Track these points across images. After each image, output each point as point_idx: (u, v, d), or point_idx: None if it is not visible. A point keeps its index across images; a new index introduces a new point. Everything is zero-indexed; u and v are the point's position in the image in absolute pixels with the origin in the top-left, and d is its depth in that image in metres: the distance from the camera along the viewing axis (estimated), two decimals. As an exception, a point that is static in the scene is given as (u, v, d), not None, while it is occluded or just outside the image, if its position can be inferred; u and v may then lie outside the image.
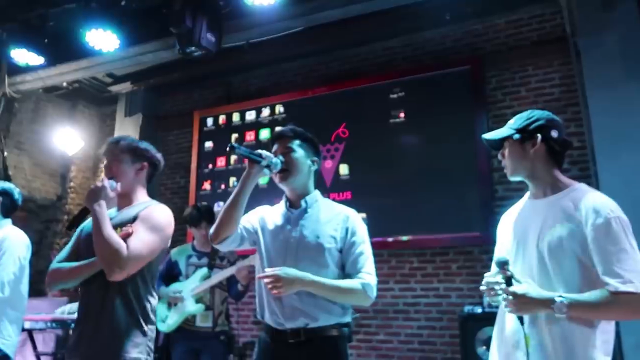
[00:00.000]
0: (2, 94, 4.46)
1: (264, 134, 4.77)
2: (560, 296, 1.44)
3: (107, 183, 1.90)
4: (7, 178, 5.00)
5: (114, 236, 1.79)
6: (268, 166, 1.87)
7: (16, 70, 4.39)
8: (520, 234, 1.64)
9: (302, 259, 1.87)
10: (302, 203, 1.98)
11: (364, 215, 4.03)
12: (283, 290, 1.78)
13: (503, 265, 1.54)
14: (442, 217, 3.83)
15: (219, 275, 3.32)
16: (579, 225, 1.49)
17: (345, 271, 1.92)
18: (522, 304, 1.47)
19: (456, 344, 3.53)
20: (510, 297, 1.48)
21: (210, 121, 5.10)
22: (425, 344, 3.86)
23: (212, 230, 1.91)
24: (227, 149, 1.81)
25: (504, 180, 3.81)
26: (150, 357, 1.86)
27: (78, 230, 2.01)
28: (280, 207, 2.04)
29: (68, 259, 1.93)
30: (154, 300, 1.93)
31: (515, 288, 1.48)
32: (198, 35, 3.16)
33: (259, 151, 1.86)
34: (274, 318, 1.88)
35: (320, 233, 1.92)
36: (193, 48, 3.22)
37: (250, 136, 4.85)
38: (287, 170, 1.93)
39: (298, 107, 4.64)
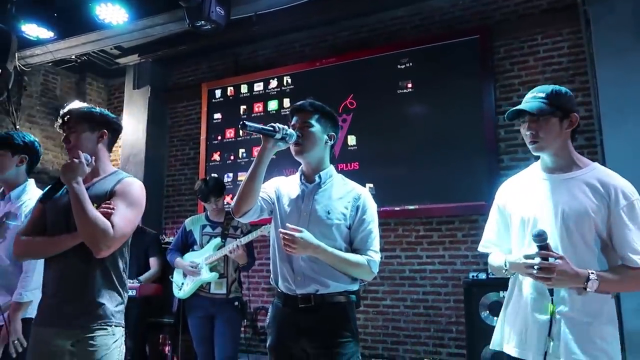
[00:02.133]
0: (12, 68, 4.49)
1: (272, 105, 4.81)
2: (593, 272, 1.54)
3: (84, 157, 1.84)
4: (21, 151, 5.09)
5: (99, 216, 1.78)
6: (283, 138, 1.91)
7: (26, 44, 4.41)
8: (540, 207, 1.68)
9: (313, 232, 1.94)
10: (317, 178, 2.05)
11: (371, 185, 4.14)
12: (295, 251, 1.87)
13: (542, 237, 1.56)
14: (448, 186, 3.90)
15: (232, 245, 3.44)
16: (604, 203, 1.59)
17: (353, 247, 2.01)
18: (558, 280, 1.53)
19: (460, 309, 3.65)
20: (547, 271, 1.52)
21: (218, 93, 5.13)
22: (431, 309, 3.99)
23: (233, 204, 1.97)
24: (239, 126, 1.85)
25: (509, 150, 3.87)
26: (122, 322, 1.92)
27: (37, 200, 1.99)
28: (295, 179, 2.12)
29: (34, 231, 1.90)
30: (126, 271, 1.97)
31: (555, 263, 1.53)
32: (207, 9, 3.17)
33: (272, 124, 1.90)
34: (286, 285, 1.98)
35: (331, 209, 1.99)
36: (203, 22, 3.23)
37: (258, 107, 4.88)
38: (302, 143, 1.99)
39: (306, 78, 4.65)
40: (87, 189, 1.88)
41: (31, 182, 2.51)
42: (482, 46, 3.91)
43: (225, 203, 4.85)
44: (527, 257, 1.58)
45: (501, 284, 3.22)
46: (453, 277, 3.91)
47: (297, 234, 1.86)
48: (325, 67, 4.55)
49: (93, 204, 1.83)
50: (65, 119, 1.96)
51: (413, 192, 4.04)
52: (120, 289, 1.92)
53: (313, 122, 2.02)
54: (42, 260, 2.09)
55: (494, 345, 1.79)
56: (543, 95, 1.68)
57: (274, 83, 4.82)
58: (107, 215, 1.79)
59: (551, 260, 1.53)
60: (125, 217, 1.83)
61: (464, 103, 3.91)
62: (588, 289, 1.53)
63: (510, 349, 1.69)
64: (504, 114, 3.86)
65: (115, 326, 1.86)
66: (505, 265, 1.70)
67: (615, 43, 3.24)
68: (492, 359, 3.20)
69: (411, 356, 3.97)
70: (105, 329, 1.83)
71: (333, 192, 2.05)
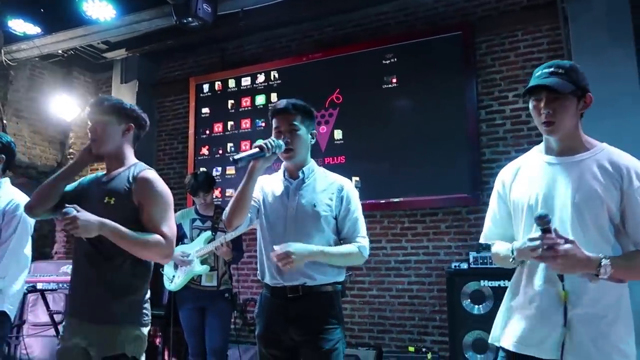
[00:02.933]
0: (-2, 63, 4.49)
1: (260, 100, 4.86)
2: (605, 257, 1.42)
3: (83, 215, 1.76)
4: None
5: (147, 237, 1.84)
6: (274, 153, 1.95)
7: (12, 38, 4.41)
8: (547, 193, 1.57)
9: (301, 226, 2.04)
10: (300, 174, 2.11)
11: (357, 178, 4.24)
12: (294, 265, 1.92)
13: (545, 219, 1.43)
14: (432, 179, 4.00)
15: (222, 238, 3.51)
16: (616, 185, 1.50)
17: (341, 236, 2.10)
18: (567, 264, 1.41)
19: (444, 298, 3.77)
20: (557, 255, 1.40)
21: (206, 87, 5.16)
22: (415, 298, 4.11)
23: (225, 218, 2.03)
24: (232, 161, 1.90)
25: (491, 143, 3.99)
26: (147, 319, 1.96)
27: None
28: (279, 176, 2.18)
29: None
30: (145, 266, 1.98)
31: (564, 247, 1.41)
32: (195, 6, 3.22)
33: (259, 143, 1.92)
34: (274, 281, 2.06)
35: (317, 202, 2.07)
36: (190, 19, 3.28)
37: (246, 102, 4.93)
38: (292, 149, 2.04)
39: (292, 73, 4.70)
40: (109, 180, 1.96)
41: (6, 180, 2.57)
42: (465, 42, 4.00)
43: (215, 197, 4.92)
44: (531, 239, 1.45)
45: (481, 273, 3.38)
46: (437, 268, 4.03)
47: (289, 249, 1.91)
48: (312, 62, 4.60)
49: (111, 198, 1.90)
50: (95, 108, 2.00)
51: (398, 185, 4.14)
52: (139, 285, 1.95)
53: (298, 124, 2.06)
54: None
55: (492, 339, 1.69)
56: (562, 70, 1.54)
57: (261, 78, 4.86)
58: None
59: (561, 244, 1.41)
60: (167, 221, 1.91)
61: (447, 98, 4.00)
62: (600, 276, 1.40)
63: (513, 345, 1.58)
64: (486, 108, 4.02)
65: (125, 325, 1.88)
66: (512, 253, 1.56)
67: (591, 40, 3.34)
68: (473, 345, 3.33)
69: (397, 344, 4.09)
70: (115, 328, 1.86)
71: (317, 185, 2.12)
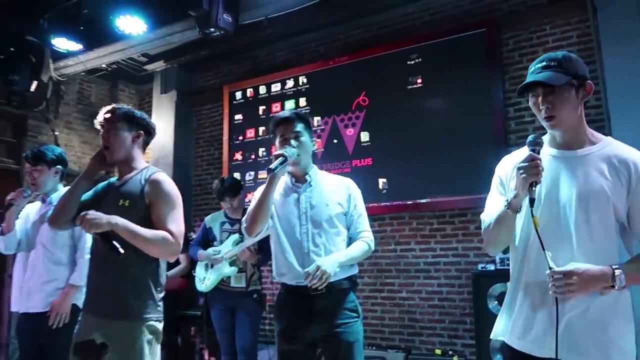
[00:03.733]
0: (49, 79, 4.83)
1: (289, 105, 4.95)
2: (616, 267, 1.39)
3: (93, 212, 1.89)
4: (60, 155, 5.45)
5: (155, 233, 1.93)
6: (292, 161, 2.12)
7: (59, 55, 4.74)
8: (550, 188, 1.53)
9: (317, 224, 2.18)
10: (307, 177, 2.25)
11: (384, 180, 4.24)
12: (328, 277, 2.04)
13: (535, 143, 1.44)
14: (460, 180, 3.93)
15: (250, 241, 3.61)
16: (623, 180, 1.47)
17: (350, 231, 2.24)
18: (584, 285, 1.37)
19: (473, 300, 3.69)
20: (567, 279, 1.36)
21: (239, 94, 5.32)
22: (445, 301, 4.05)
23: (245, 225, 2.19)
24: (267, 171, 2.08)
25: (520, 141, 3.87)
26: (161, 316, 2.04)
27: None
28: (282, 183, 2.27)
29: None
30: (164, 264, 2.09)
31: (572, 267, 1.38)
32: (215, 16, 3.35)
33: (280, 152, 2.10)
34: (296, 281, 2.15)
35: (328, 201, 2.22)
36: (212, 29, 3.42)
37: (276, 107, 5.04)
38: (299, 155, 2.16)
39: (320, 78, 4.77)
40: (122, 184, 2.07)
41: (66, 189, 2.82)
42: (489, 39, 3.92)
43: (248, 201, 5.06)
44: (519, 166, 1.44)
45: (508, 275, 3.26)
46: (466, 269, 3.95)
47: (321, 268, 2.03)
48: (338, 65, 4.65)
49: (125, 201, 2.00)
50: (108, 116, 2.10)
51: (425, 186, 4.10)
52: (152, 284, 2.02)
53: (302, 130, 2.19)
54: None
55: (494, 334, 1.65)
56: (555, 63, 1.51)
57: (290, 83, 4.96)
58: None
59: (569, 266, 1.39)
60: (176, 219, 2.00)
61: (473, 96, 3.93)
62: (617, 287, 1.37)
63: (512, 341, 1.55)
64: (513, 106, 3.93)
65: (143, 322, 1.95)
66: (507, 202, 1.50)
67: (620, 31, 3.20)
68: (501, 349, 3.24)
69: (427, 347, 4.04)
70: (131, 323, 1.94)
71: (324, 186, 2.26)
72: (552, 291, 1.41)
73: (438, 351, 3.72)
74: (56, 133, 5.51)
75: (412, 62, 4.25)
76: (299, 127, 2.19)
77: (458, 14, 4.25)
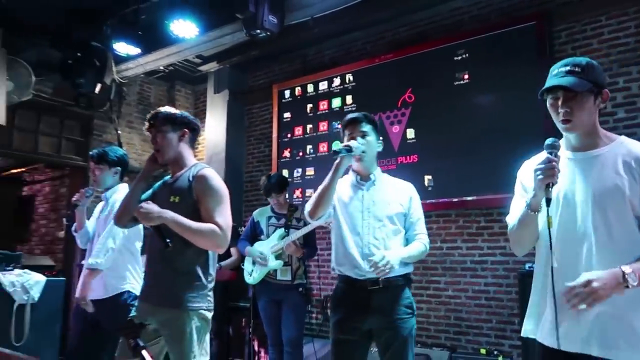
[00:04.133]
0: (111, 81, 5.16)
1: (336, 102, 5.02)
2: (624, 266, 1.41)
3: (146, 205, 2.06)
4: (122, 153, 5.81)
5: (203, 226, 2.05)
6: (354, 153, 2.28)
7: (121, 59, 5.06)
8: (567, 188, 1.57)
9: (378, 220, 2.34)
10: (372, 177, 2.43)
11: (429, 177, 4.21)
12: (388, 273, 2.20)
13: (553, 146, 1.49)
14: (508, 177, 3.77)
15: (295, 235, 3.73)
16: (637, 176, 1.50)
17: (407, 233, 2.40)
18: (602, 293, 1.39)
19: (520, 300, 3.61)
20: (588, 289, 1.38)
21: (287, 93, 5.44)
22: (492, 300, 3.97)
23: (308, 208, 2.35)
24: (332, 153, 2.27)
25: (572, 137, 3.72)
26: (211, 305, 2.17)
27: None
28: (348, 180, 2.45)
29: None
30: (210, 257, 2.19)
31: (585, 277, 1.40)
32: (261, 18, 3.47)
33: (348, 144, 2.28)
34: (356, 271, 2.29)
35: (390, 200, 2.39)
36: (258, 31, 3.54)
37: (323, 105, 5.12)
38: (365, 151, 2.33)
39: (366, 75, 4.79)
40: (174, 182, 2.22)
41: (124, 185, 3.05)
42: (539, 32, 3.79)
43: (296, 197, 5.18)
44: (536, 168, 1.50)
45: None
46: (514, 269, 3.85)
47: (386, 260, 2.17)
48: (385, 62, 4.66)
49: (175, 197, 2.14)
50: (152, 121, 2.25)
51: (472, 183, 4.04)
52: (202, 274, 2.13)
53: (368, 130, 2.37)
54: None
55: (524, 332, 1.69)
56: (579, 69, 1.55)
57: (337, 81, 5.02)
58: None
59: (581, 278, 1.41)
60: (222, 213, 2.11)
61: (522, 92, 3.82)
62: (631, 285, 1.40)
63: (543, 338, 1.59)
64: (565, 100, 3.76)
65: (192, 310, 2.07)
66: (528, 203, 1.56)
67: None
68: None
69: (473, 347, 3.99)
70: (182, 310, 2.06)
71: (388, 187, 2.44)
72: (573, 306, 1.43)
73: (483, 350, 3.67)
74: (119, 132, 5.87)
75: (459, 57, 4.19)
76: (366, 127, 2.37)
77: (507, 7, 4.14)
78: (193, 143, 2.33)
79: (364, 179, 2.43)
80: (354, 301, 2.29)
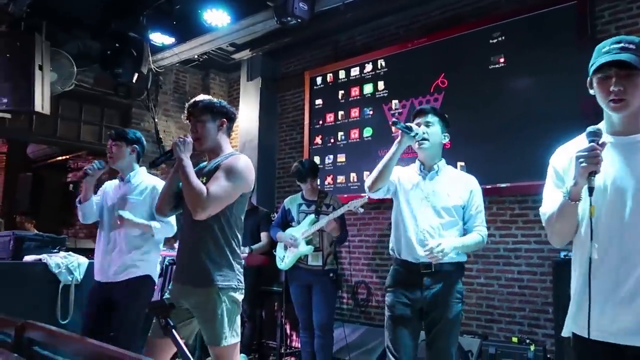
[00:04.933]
0: (148, 70, 5.29)
1: (368, 89, 4.99)
2: None
3: (190, 139, 2.19)
4: (159, 141, 5.99)
5: (197, 182, 2.10)
6: (415, 136, 2.43)
7: (156, 49, 5.18)
8: (613, 175, 1.51)
9: (437, 210, 2.45)
10: (435, 167, 2.55)
11: (462, 163, 4.15)
12: (441, 259, 2.33)
13: (595, 134, 1.44)
14: (544, 164, 3.69)
15: (325, 220, 3.76)
16: None
17: (466, 224, 2.50)
18: None
19: (555, 289, 3.53)
20: None
21: (319, 80, 5.45)
22: (526, 288, 3.91)
23: (368, 182, 2.49)
24: (391, 124, 2.34)
25: (612, 122, 3.58)
26: (241, 286, 2.21)
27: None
28: (413, 169, 2.60)
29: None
30: (239, 240, 2.25)
31: None
32: (292, 5, 3.48)
33: (409, 125, 2.45)
34: (411, 255, 2.45)
35: (450, 192, 2.49)
36: (289, 18, 3.55)
37: (355, 92, 5.10)
38: (427, 139, 2.48)
39: (398, 61, 4.74)
40: (206, 166, 2.28)
41: (143, 169, 3.10)
42: (580, 12, 3.64)
43: (328, 184, 5.21)
44: (579, 155, 1.44)
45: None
46: (549, 257, 3.77)
47: (441, 247, 2.30)
48: (417, 47, 4.59)
49: (203, 177, 2.18)
50: (191, 110, 2.27)
51: (506, 170, 3.96)
52: (231, 257, 2.18)
53: (434, 122, 2.52)
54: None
55: (566, 331, 1.62)
56: (633, 46, 1.47)
57: (369, 67, 4.98)
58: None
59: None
60: (220, 185, 2.10)
61: (560, 75, 3.69)
62: None
63: (592, 333, 1.48)
64: (606, 83, 3.61)
65: (221, 289, 2.13)
66: (567, 192, 1.50)
67: None
68: (575, 343, 3.09)
69: (505, 335, 3.94)
70: (212, 291, 2.12)
71: (449, 178, 2.55)
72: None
73: (515, 339, 3.63)
74: (156, 120, 6.02)
75: (495, 40, 4.08)
76: (432, 119, 2.52)
77: (546, -14, 3.99)
78: (230, 131, 2.37)
79: (427, 168, 2.55)
80: (408, 282, 2.45)
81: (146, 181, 3.04)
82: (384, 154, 2.47)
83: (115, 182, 3.12)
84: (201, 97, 2.33)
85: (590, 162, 1.42)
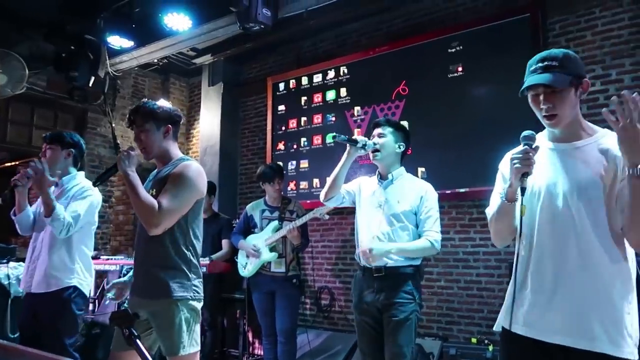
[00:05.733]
0: (105, 74, 5.14)
1: (330, 95, 5.02)
2: None
3: (135, 152, 2.07)
4: (116, 146, 5.83)
5: (148, 197, 2.01)
6: (363, 147, 2.54)
7: (114, 52, 5.03)
8: (551, 179, 1.57)
9: (388, 217, 2.59)
10: (390, 176, 2.67)
11: (423, 169, 4.24)
12: (373, 261, 2.52)
13: (528, 138, 1.52)
14: None
15: (293, 224, 3.75)
16: (620, 168, 1.48)
17: (418, 230, 2.60)
18: (633, 135, 1.33)
19: (512, 290, 3.64)
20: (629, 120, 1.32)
21: (282, 86, 5.44)
22: (484, 290, 4.02)
23: (322, 191, 2.69)
24: (332, 138, 2.42)
25: (563, 129, 3.75)
26: (198, 295, 2.15)
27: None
28: (374, 179, 2.75)
29: None
30: (194, 249, 2.17)
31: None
32: (254, 11, 3.47)
33: (355, 137, 2.57)
34: (364, 260, 2.59)
35: (400, 199, 2.60)
36: (252, 24, 3.54)
37: (317, 98, 5.12)
38: (378, 150, 2.60)
39: (360, 68, 4.80)
40: (156, 176, 2.19)
41: (81, 173, 2.94)
42: (533, 24, 3.81)
43: (290, 189, 5.20)
44: (512, 157, 1.53)
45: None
46: (506, 260, 3.90)
47: (371, 247, 2.51)
48: (379, 55, 4.66)
49: (153, 190, 2.09)
50: (133, 118, 2.15)
51: (465, 175, 4.07)
52: (186, 268, 2.12)
53: (386, 133, 2.64)
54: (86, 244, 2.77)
55: (498, 326, 1.69)
56: (556, 62, 1.53)
57: (331, 74, 5.02)
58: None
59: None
60: (172, 195, 2.02)
61: (516, 83, 3.78)
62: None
63: (521, 329, 1.57)
64: (557, 93, 3.78)
65: (178, 299, 2.07)
66: (503, 194, 1.58)
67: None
68: (503, 337, 3.20)
69: (465, 336, 4.04)
70: (169, 301, 2.06)
71: (402, 186, 2.66)
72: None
73: (474, 340, 3.73)
74: (113, 125, 5.86)
75: (453, 50, 4.20)
76: (386, 130, 2.65)
77: (502, -1, 4.15)
78: (177, 135, 2.26)
79: (383, 177, 2.68)
80: (364, 285, 2.60)
81: (81, 184, 2.86)
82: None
83: (52, 188, 2.92)
84: (143, 102, 2.21)
85: (523, 164, 1.50)
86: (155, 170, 2.28)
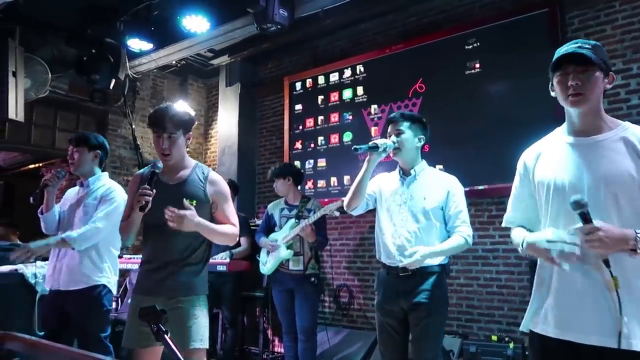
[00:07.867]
0: (125, 76, 5.24)
1: (347, 94, 5.04)
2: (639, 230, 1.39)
3: (190, 212, 2.08)
4: (137, 147, 5.93)
5: (224, 227, 2.25)
6: (384, 150, 2.42)
7: (134, 55, 5.13)
8: (574, 174, 1.55)
9: (413, 215, 2.48)
10: (412, 172, 2.57)
11: (440, 166, 4.22)
12: (416, 265, 2.37)
13: (583, 205, 1.42)
14: None
15: (306, 221, 3.76)
16: None
17: (447, 226, 2.50)
18: (604, 245, 1.38)
19: (533, 288, 3.62)
20: (595, 239, 1.37)
21: (298, 85, 5.47)
22: (504, 288, 4.00)
23: (345, 202, 2.58)
24: (353, 149, 2.38)
25: (584, 125, 3.71)
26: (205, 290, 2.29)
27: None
28: (395, 174, 2.64)
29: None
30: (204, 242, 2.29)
31: (599, 223, 1.39)
32: (271, 12, 3.50)
33: (375, 142, 2.42)
34: (389, 259, 2.51)
35: (427, 195, 2.50)
36: (269, 24, 3.57)
37: (334, 97, 5.14)
38: (398, 148, 2.49)
39: (377, 66, 4.80)
40: (181, 182, 2.23)
41: (105, 174, 3.02)
42: (552, 19, 3.77)
43: (308, 188, 5.22)
44: (549, 241, 1.47)
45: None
46: (526, 257, 3.87)
47: (415, 258, 2.34)
48: (395, 53, 4.66)
49: (192, 200, 2.15)
50: (163, 123, 2.15)
51: (483, 172, 4.05)
52: (203, 265, 2.26)
53: (404, 129, 2.52)
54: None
55: (524, 327, 1.67)
56: (589, 46, 1.54)
57: (348, 72, 5.04)
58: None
59: (597, 222, 1.40)
60: (233, 212, 2.34)
61: (534, 79, 3.79)
62: (639, 250, 1.38)
63: (552, 331, 1.55)
64: (577, 88, 3.74)
65: (198, 295, 2.19)
66: (522, 245, 1.59)
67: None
68: (531, 341, 3.18)
69: (485, 334, 4.02)
70: (188, 297, 2.16)
71: (427, 181, 2.56)
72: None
73: (494, 337, 3.71)
74: (133, 126, 5.96)
75: (470, 46, 4.18)
76: (402, 125, 2.52)
77: (518, -6, 4.11)
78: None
79: (406, 173, 2.58)
80: (388, 285, 2.51)
81: (106, 186, 2.93)
82: (365, 157, 2.49)
83: (76, 188, 3.03)
84: (171, 107, 2.24)
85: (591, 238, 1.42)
86: (165, 173, 2.25)
